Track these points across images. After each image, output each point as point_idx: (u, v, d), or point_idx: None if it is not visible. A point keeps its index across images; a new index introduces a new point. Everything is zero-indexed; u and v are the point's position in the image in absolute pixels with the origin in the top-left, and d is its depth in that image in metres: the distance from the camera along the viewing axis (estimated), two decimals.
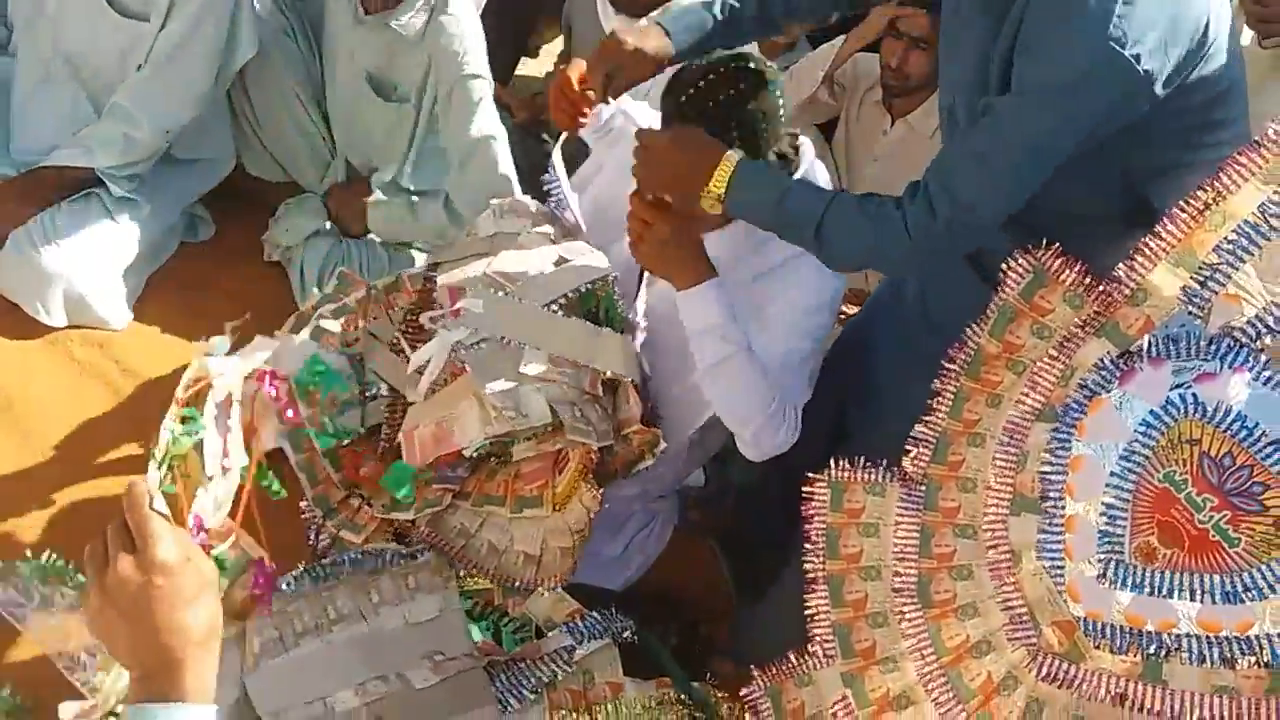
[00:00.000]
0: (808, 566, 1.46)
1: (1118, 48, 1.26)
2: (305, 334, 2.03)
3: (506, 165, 2.19)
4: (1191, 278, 1.24)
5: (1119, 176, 1.44)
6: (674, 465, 1.84)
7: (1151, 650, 1.19)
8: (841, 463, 1.47)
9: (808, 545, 1.47)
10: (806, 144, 1.69)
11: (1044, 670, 1.25)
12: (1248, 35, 1.89)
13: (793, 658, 1.47)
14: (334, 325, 2.03)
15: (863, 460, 1.46)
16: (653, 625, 1.81)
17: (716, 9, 1.64)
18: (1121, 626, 1.21)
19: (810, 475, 1.48)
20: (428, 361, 1.71)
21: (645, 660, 1.68)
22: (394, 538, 1.81)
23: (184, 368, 1.95)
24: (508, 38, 2.59)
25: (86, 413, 1.96)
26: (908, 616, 1.39)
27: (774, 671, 1.49)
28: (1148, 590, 1.19)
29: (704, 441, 1.83)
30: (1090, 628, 1.23)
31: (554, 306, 1.71)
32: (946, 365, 1.43)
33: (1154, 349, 1.26)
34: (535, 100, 2.84)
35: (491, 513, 1.77)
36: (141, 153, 2.15)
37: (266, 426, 1.90)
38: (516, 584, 1.69)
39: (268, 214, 2.37)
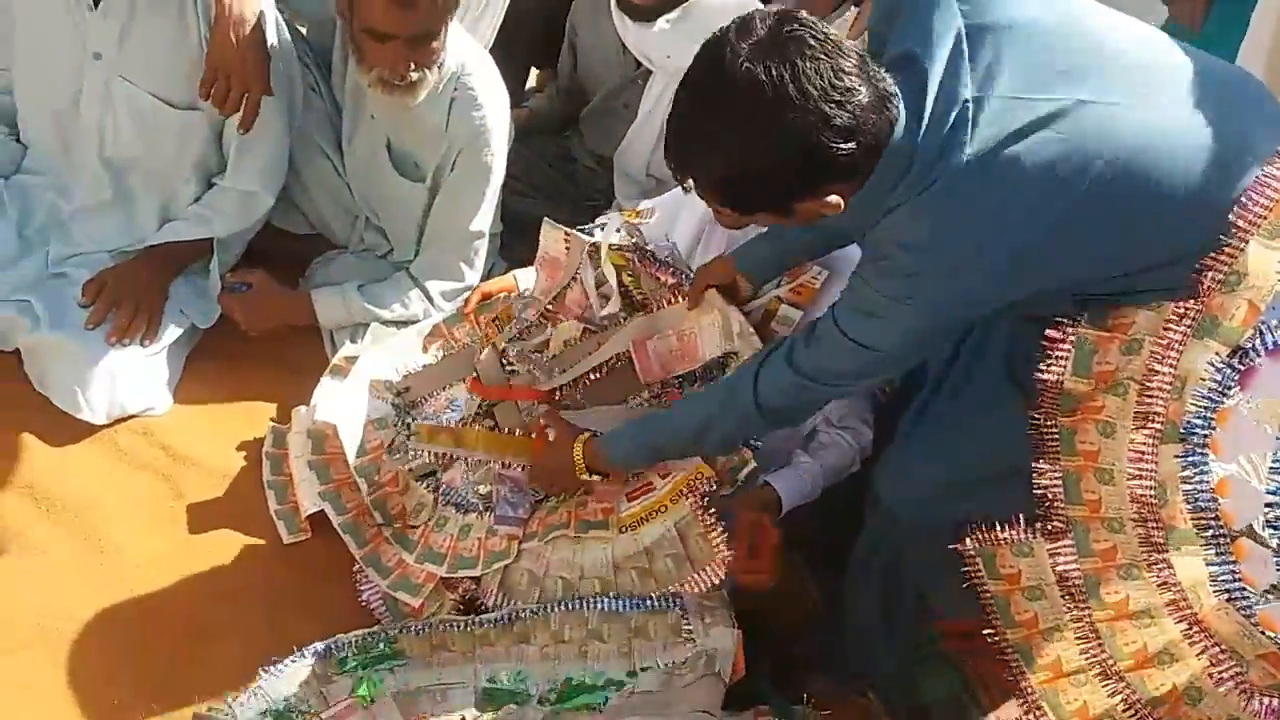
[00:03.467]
0: (992, 637, 1.44)
1: (924, 312, 1.32)
2: (354, 379, 2.00)
3: (481, 263, 2.22)
4: None
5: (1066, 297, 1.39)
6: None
7: None
8: (978, 531, 1.41)
9: (985, 614, 1.44)
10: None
11: (1265, 710, 1.15)
12: None
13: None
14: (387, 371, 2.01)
15: (997, 524, 1.41)
16: (745, 650, 1.76)
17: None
18: None
19: (957, 548, 1.44)
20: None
21: (742, 688, 1.64)
22: (462, 604, 1.78)
23: (236, 444, 2.01)
24: (512, 69, 2.51)
25: (142, 506, 1.90)
26: (1109, 672, 1.32)
27: None
28: None
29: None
30: None
31: None
32: (1034, 409, 1.36)
33: (1269, 339, 1.14)
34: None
35: (557, 541, 1.74)
36: (260, 211, 2.12)
37: (305, 490, 1.89)
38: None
39: (293, 270, 2.30)
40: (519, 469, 1.85)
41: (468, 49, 2.08)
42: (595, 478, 1.73)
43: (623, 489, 1.77)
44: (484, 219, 2.18)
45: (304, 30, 2.20)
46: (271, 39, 1.96)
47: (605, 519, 1.75)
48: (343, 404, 1.96)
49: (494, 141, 2.10)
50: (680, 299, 1.78)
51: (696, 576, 1.64)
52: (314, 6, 2.14)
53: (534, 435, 1.84)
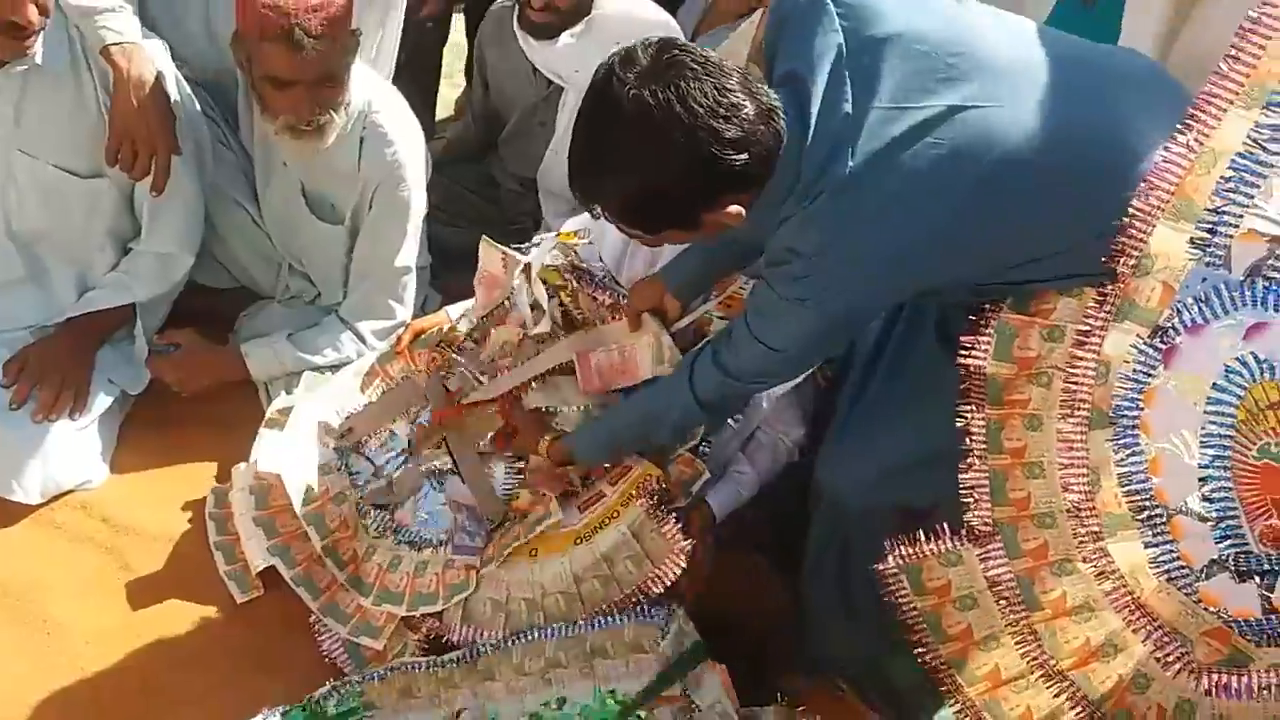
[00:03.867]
0: (926, 657, 1.45)
1: (820, 314, 1.36)
2: (292, 427, 1.98)
3: (411, 298, 2.19)
4: (1197, 228, 1.14)
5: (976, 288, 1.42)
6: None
7: None
8: (900, 547, 1.42)
9: (913, 636, 1.45)
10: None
11: (1214, 686, 1.16)
12: None
13: None
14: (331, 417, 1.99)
15: (922, 535, 1.42)
16: (719, 655, 1.76)
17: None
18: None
19: (878, 568, 1.46)
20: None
21: None
22: (427, 643, 1.77)
23: (178, 508, 1.98)
24: (421, 100, 2.50)
25: (87, 582, 1.86)
26: (1051, 672, 1.32)
27: None
28: None
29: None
30: (1245, 628, 1.14)
31: None
32: (961, 400, 1.37)
33: (1186, 316, 1.16)
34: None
35: (514, 562, 1.74)
36: (180, 272, 2.09)
37: (253, 547, 1.87)
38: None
39: (221, 326, 2.27)
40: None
41: (373, 86, 2.06)
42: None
43: (575, 501, 1.77)
44: (408, 254, 2.16)
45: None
46: (173, 95, 1.94)
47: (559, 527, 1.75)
48: (284, 453, 1.93)
49: (409, 176, 2.08)
50: (619, 318, 1.79)
51: (658, 571, 1.65)
52: (211, 59, 2.11)
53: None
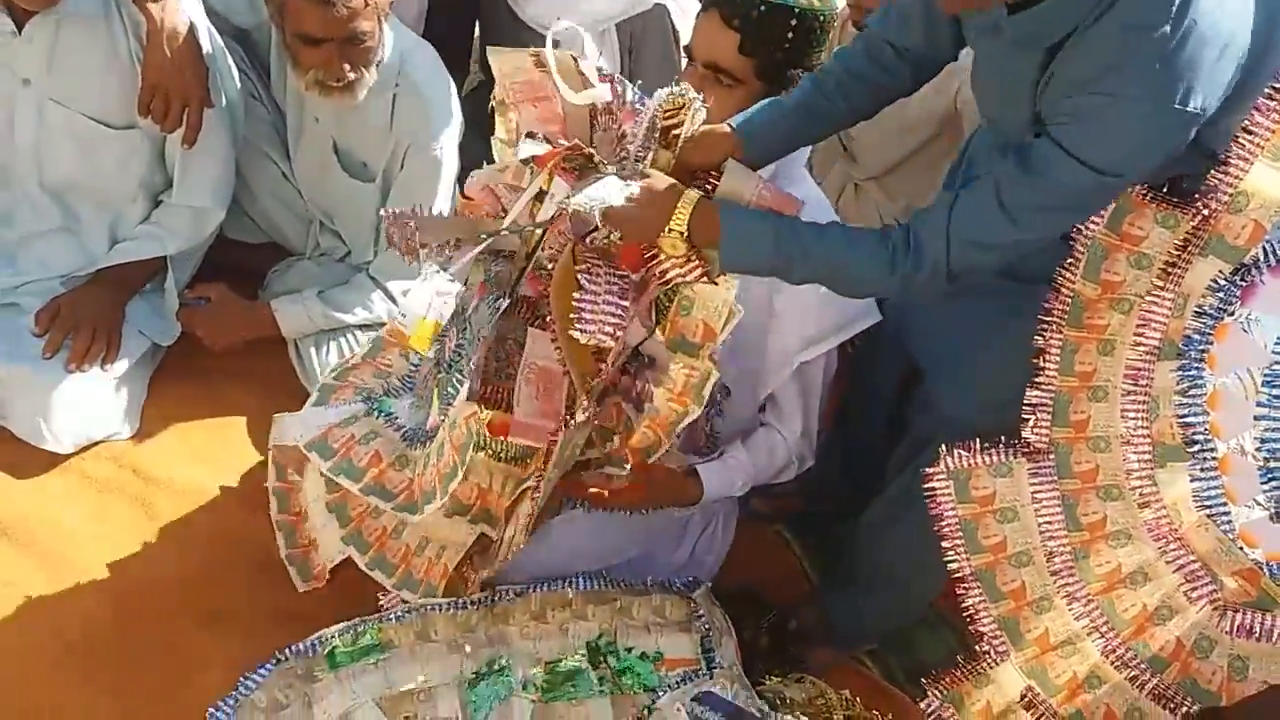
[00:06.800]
0: (952, 565, 1.41)
1: (1181, 108, 1.14)
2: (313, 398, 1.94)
3: None
4: None
5: None
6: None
7: None
8: (955, 450, 1.38)
9: (945, 544, 1.40)
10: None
11: (1236, 626, 1.16)
12: None
13: (962, 663, 1.42)
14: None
15: (979, 443, 1.38)
16: (741, 628, 1.74)
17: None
18: None
19: (926, 471, 1.41)
20: None
21: None
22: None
23: (208, 462, 1.97)
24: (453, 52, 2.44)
25: (117, 532, 1.85)
26: (1076, 596, 1.32)
27: (948, 679, 1.44)
28: None
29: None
30: (1276, 571, 1.13)
31: None
32: (1044, 319, 1.33)
33: (1271, 257, 1.15)
34: None
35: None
36: (211, 226, 2.06)
37: (326, 538, 1.81)
38: None
39: (251, 282, 2.24)
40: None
41: (407, 41, 2.01)
42: (678, 251, 1.33)
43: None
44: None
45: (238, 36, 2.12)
46: (205, 47, 1.90)
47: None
48: (303, 421, 1.87)
49: (442, 134, 2.03)
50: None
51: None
52: (244, 12, 2.07)
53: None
